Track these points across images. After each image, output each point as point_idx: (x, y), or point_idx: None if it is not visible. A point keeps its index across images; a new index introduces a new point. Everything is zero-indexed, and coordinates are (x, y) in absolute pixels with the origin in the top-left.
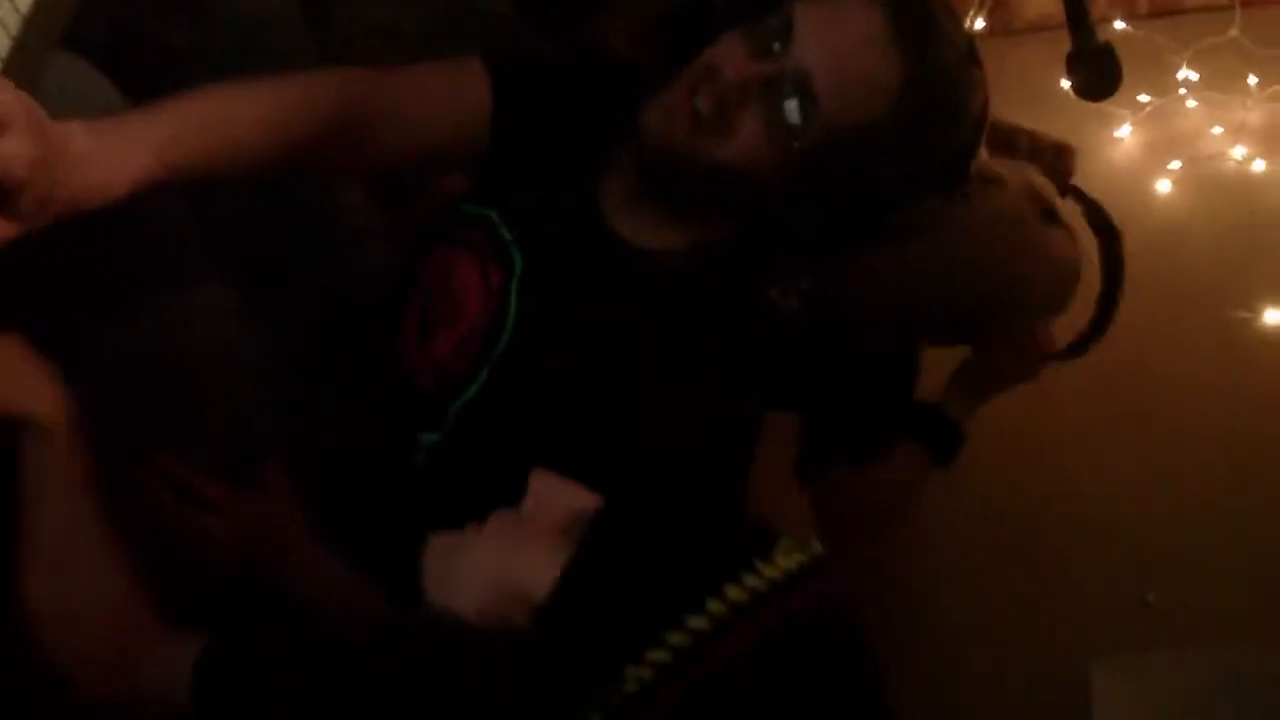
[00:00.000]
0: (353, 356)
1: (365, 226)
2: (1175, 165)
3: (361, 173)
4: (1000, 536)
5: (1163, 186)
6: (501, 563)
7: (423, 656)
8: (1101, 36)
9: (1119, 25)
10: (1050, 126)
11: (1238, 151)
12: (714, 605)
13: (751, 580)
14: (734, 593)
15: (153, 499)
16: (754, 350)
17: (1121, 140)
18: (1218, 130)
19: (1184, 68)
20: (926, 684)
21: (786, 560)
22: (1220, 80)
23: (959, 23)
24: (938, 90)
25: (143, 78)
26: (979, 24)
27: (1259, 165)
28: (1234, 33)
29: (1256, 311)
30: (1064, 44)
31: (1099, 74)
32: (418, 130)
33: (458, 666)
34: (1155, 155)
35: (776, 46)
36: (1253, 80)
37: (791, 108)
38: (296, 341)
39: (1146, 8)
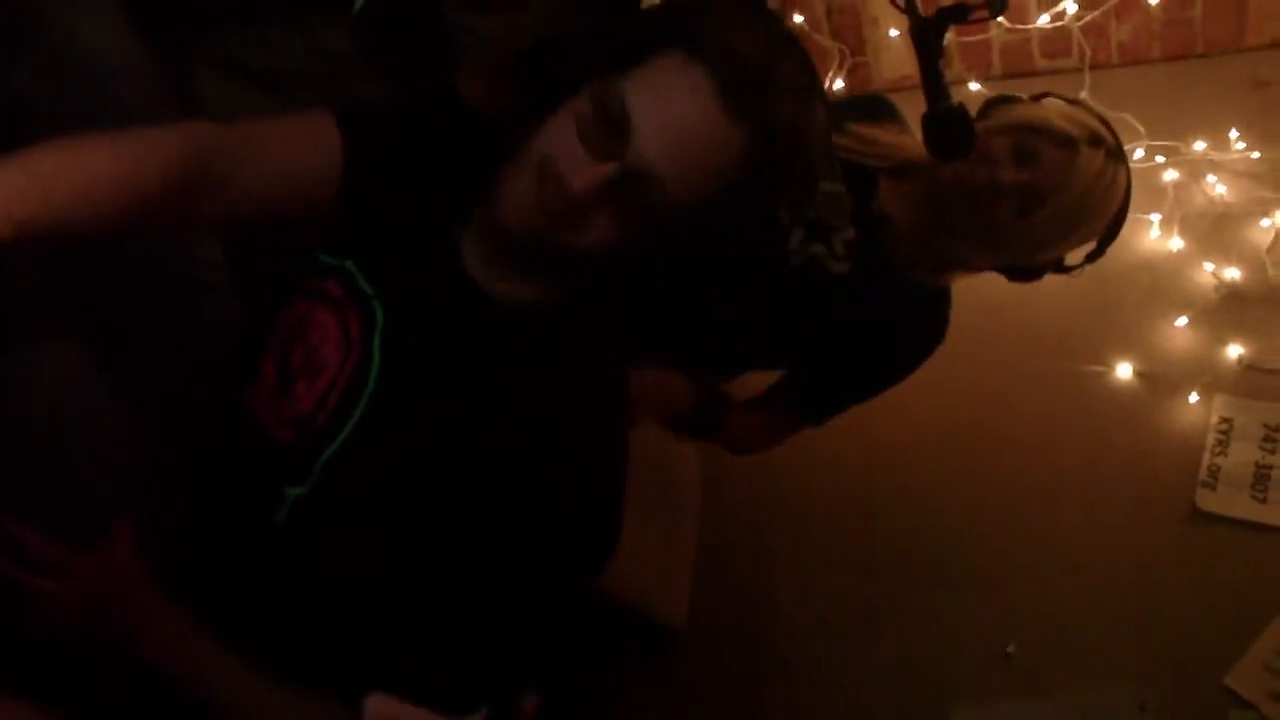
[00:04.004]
0: (206, 412)
1: (219, 280)
2: None
3: (215, 226)
4: (870, 587)
5: None
6: None
7: None
8: (956, 97)
9: (974, 86)
10: None
11: None
12: None
13: None
14: None
15: None
16: (618, 391)
17: None
18: None
19: None
20: None
21: None
22: None
23: (788, 48)
24: (782, 143)
25: None
26: (838, 84)
27: None
28: (1083, 94)
29: (1109, 365)
30: (921, 104)
31: (953, 134)
32: (271, 182)
33: None
34: None
35: (617, 144)
36: None
37: (641, 200)
38: (148, 398)
39: (1000, 69)
